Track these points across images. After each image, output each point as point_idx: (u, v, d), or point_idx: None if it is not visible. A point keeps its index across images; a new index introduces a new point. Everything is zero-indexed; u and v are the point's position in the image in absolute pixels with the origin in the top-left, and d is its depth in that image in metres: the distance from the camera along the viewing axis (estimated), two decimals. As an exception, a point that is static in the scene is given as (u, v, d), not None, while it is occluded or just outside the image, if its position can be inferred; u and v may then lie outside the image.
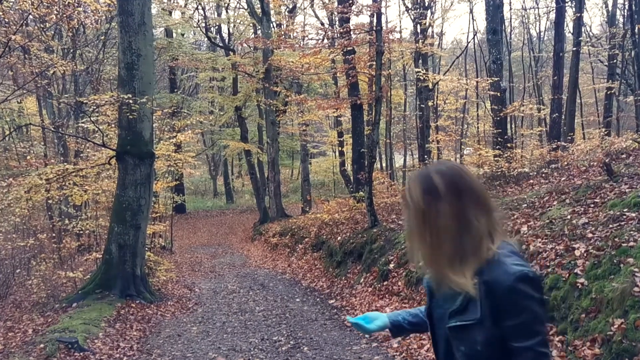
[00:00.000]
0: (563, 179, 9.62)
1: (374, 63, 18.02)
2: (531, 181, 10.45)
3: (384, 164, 25.90)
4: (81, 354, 6.22)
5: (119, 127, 9.81)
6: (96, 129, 10.96)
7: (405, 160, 30.48)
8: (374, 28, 11.15)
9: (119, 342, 6.92)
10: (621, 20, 26.15)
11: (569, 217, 5.66)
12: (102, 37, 17.81)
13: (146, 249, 12.34)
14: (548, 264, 4.85)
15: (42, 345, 6.23)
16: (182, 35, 28.92)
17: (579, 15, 18.35)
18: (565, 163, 10.34)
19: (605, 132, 16.01)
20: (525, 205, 7.30)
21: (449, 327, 1.59)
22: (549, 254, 4.98)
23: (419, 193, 1.58)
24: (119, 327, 7.64)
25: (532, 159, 12.39)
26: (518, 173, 10.76)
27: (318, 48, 13.22)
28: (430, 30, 24.20)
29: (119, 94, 9.16)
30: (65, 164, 11.25)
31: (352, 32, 13.35)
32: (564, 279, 4.52)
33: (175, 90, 25.97)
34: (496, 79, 15.18)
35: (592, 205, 5.74)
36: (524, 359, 1.48)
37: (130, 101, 8.83)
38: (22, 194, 10.15)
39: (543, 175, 10.37)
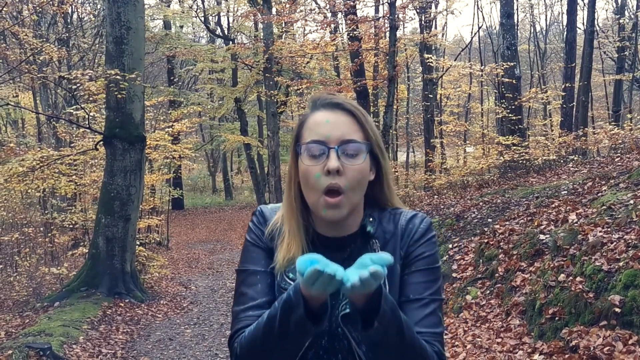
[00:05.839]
0: (595, 165, 8.78)
1: (379, 50, 17.22)
2: (557, 170, 9.59)
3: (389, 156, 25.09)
4: (55, 362, 5.34)
5: (106, 108, 8.89)
6: (86, 115, 10.02)
7: (407, 156, 29.64)
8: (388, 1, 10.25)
9: (101, 347, 6.03)
10: (626, 13, 25.32)
11: (631, 202, 4.78)
12: (95, 18, 16.92)
13: (140, 244, 11.45)
14: (618, 257, 3.96)
15: (9, 352, 5.35)
16: (181, 27, 28.06)
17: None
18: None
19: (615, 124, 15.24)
20: (566, 192, 6.41)
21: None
22: (617, 245, 4.09)
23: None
24: (103, 330, 6.75)
25: (554, 147, 11.48)
26: (544, 161, 9.88)
27: (326, 22, 12.31)
28: (434, 22, 23.41)
29: (105, 70, 8.24)
30: (49, 149, 10.32)
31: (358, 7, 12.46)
32: (643, 275, 3.64)
33: (172, 78, 25.16)
34: (512, 64, 14.28)
35: (659, 189, 4.87)
36: (434, 310, 1.22)
37: (119, 77, 7.90)
38: (0, 181, 9.25)
39: (571, 163, 9.49)
